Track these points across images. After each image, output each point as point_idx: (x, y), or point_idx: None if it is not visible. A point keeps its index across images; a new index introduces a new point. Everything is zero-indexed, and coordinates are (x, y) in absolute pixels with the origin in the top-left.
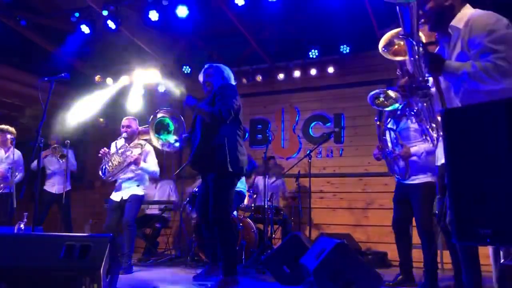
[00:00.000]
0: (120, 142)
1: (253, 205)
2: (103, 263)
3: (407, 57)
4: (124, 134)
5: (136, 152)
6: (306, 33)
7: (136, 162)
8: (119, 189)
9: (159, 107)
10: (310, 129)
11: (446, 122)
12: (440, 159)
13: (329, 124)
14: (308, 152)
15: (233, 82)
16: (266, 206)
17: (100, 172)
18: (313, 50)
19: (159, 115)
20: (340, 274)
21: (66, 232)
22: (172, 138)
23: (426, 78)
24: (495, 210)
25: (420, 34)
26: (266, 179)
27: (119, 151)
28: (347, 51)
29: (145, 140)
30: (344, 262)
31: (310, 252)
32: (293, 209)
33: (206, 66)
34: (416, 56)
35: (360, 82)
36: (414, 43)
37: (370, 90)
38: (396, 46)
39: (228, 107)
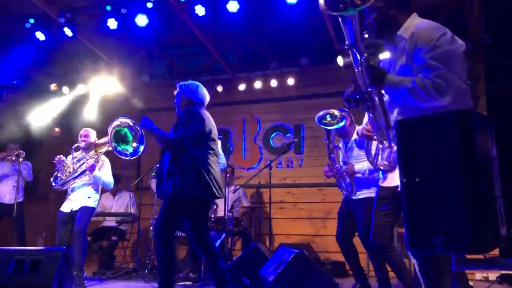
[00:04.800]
0: (77, 152)
1: (213, 216)
2: (55, 279)
3: None
4: (82, 144)
5: (91, 161)
6: (267, 45)
7: (90, 168)
8: (69, 198)
9: (116, 117)
10: (270, 140)
11: (400, 132)
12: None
13: (289, 134)
14: (268, 163)
15: (200, 98)
16: (226, 217)
17: (51, 179)
18: (273, 62)
19: (115, 125)
20: (299, 284)
21: (20, 246)
22: (130, 147)
23: (368, 90)
24: (447, 219)
25: None
26: (227, 190)
27: (75, 160)
28: (307, 63)
29: (101, 152)
30: (303, 272)
31: (269, 263)
32: (253, 220)
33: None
34: (359, 68)
35: (319, 93)
36: (357, 53)
37: (329, 102)
38: None
39: (187, 134)
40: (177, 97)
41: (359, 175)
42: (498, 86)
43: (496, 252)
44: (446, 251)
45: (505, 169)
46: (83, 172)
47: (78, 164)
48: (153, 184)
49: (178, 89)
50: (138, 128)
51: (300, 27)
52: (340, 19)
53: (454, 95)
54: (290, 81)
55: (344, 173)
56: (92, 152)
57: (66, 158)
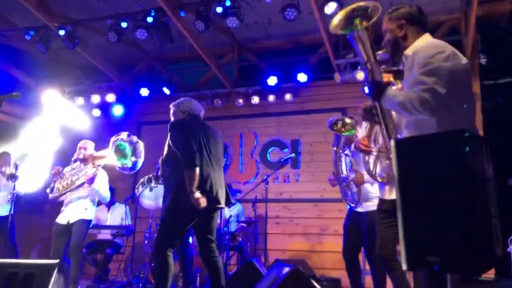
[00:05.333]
0: (75, 164)
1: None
2: None
3: None
4: (80, 155)
5: (90, 172)
6: (265, 61)
7: (90, 181)
8: (66, 209)
9: (115, 129)
10: (267, 154)
11: (396, 152)
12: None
13: (286, 149)
14: (265, 177)
15: (197, 109)
16: (222, 232)
17: (47, 190)
18: (271, 77)
19: (116, 140)
20: None
21: (11, 258)
22: (129, 162)
23: (375, 104)
24: (443, 238)
25: None
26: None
27: (73, 171)
28: (305, 79)
29: (99, 165)
30: None
31: (264, 279)
32: (249, 235)
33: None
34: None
35: (316, 109)
36: (366, 70)
37: (325, 117)
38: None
39: (185, 155)
40: (175, 115)
41: (367, 184)
42: (495, 105)
43: (492, 271)
44: (442, 270)
45: (501, 188)
46: (81, 184)
47: (76, 177)
48: (144, 197)
49: (172, 108)
50: (138, 144)
51: (298, 43)
52: (351, 39)
53: (442, 109)
54: (288, 96)
55: (351, 182)
56: (90, 165)
57: (63, 169)
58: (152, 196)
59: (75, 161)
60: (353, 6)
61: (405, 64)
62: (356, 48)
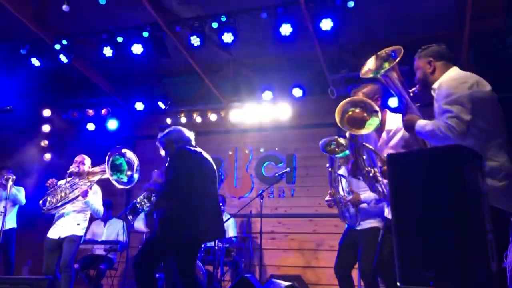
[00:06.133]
0: (70, 177)
1: (202, 245)
2: None
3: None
4: (76, 169)
5: (85, 186)
6: (260, 75)
7: (83, 194)
8: (57, 224)
9: (113, 146)
10: (262, 169)
11: (390, 167)
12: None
13: (281, 164)
14: (260, 192)
15: (188, 136)
16: (216, 247)
17: (40, 202)
18: (266, 92)
19: (112, 155)
20: None
21: (6, 274)
22: (124, 176)
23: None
24: (438, 254)
25: None
26: None
27: (67, 184)
28: (300, 94)
29: (93, 180)
30: None
31: None
32: (243, 250)
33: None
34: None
35: (311, 124)
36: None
37: (321, 132)
38: (350, 113)
39: (167, 181)
40: (163, 144)
41: (364, 205)
42: None
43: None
44: (438, 286)
45: None
46: (76, 197)
47: (69, 190)
48: (139, 223)
49: (161, 139)
50: (134, 158)
51: (293, 59)
52: (385, 78)
53: (471, 134)
54: (283, 111)
55: (348, 203)
56: (85, 180)
57: (58, 182)
58: (143, 217)
59: (70, 174)
60: (378, 53)
61: (434, 96)
62: (392, 87)
